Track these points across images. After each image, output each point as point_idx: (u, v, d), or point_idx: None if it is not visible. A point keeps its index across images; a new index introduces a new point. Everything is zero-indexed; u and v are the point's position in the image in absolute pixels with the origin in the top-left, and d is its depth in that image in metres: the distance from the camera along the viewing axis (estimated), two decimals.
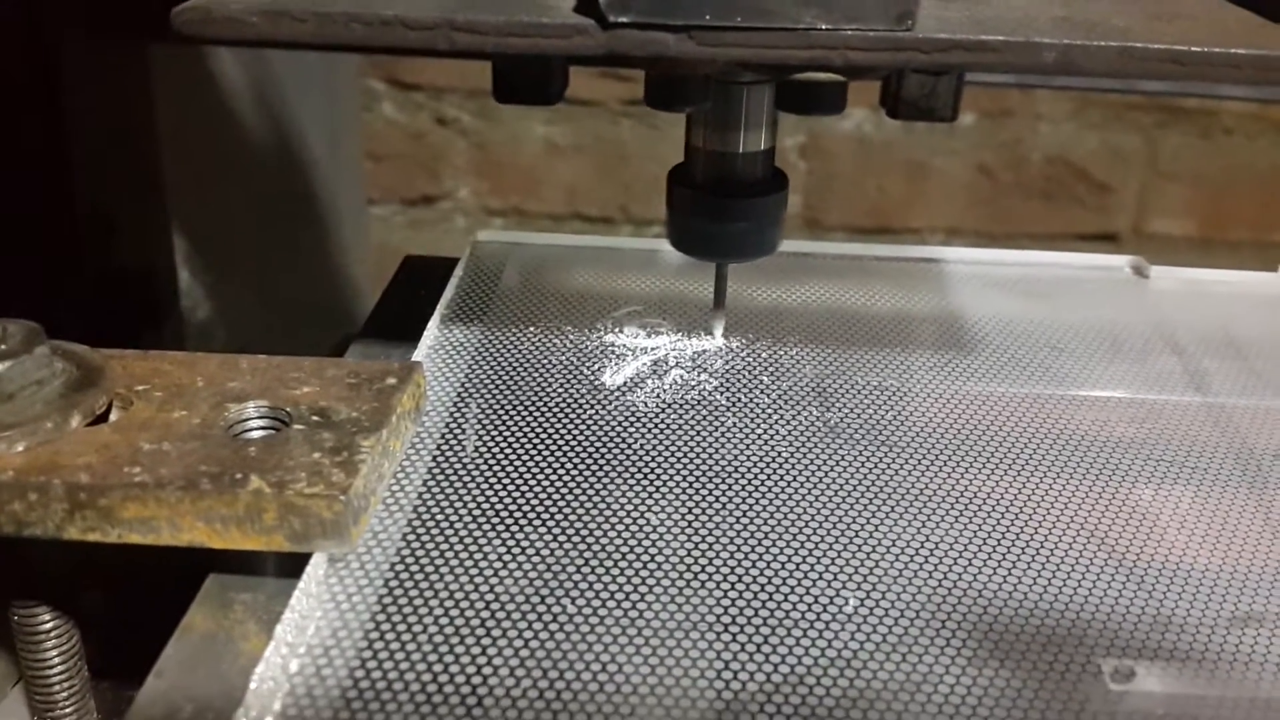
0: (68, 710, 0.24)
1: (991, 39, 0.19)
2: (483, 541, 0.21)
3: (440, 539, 0.21)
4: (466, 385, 0.26)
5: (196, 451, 0.19)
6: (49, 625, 0.22)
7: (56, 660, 0.23)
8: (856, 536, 0.22)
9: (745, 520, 0.22)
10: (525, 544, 0.21)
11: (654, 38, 0.19)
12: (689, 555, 0.21)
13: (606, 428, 0.25)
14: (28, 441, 0.19)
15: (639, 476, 0.24)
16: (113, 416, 0.21)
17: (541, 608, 0.20)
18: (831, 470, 0.24)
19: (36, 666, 0.23)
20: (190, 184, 0.48)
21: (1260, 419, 0.27)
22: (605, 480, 0.23)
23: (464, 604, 0.20)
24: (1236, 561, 0.22)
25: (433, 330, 0.28)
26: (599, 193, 0.99)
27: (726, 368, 0.28)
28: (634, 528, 0.22)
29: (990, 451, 0.25)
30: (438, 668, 0.19)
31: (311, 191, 0.65)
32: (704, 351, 0.28)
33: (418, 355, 0.27)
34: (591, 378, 0.27)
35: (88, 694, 0.24)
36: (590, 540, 0.22)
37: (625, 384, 0.27)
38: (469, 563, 0.21)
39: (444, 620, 0.19)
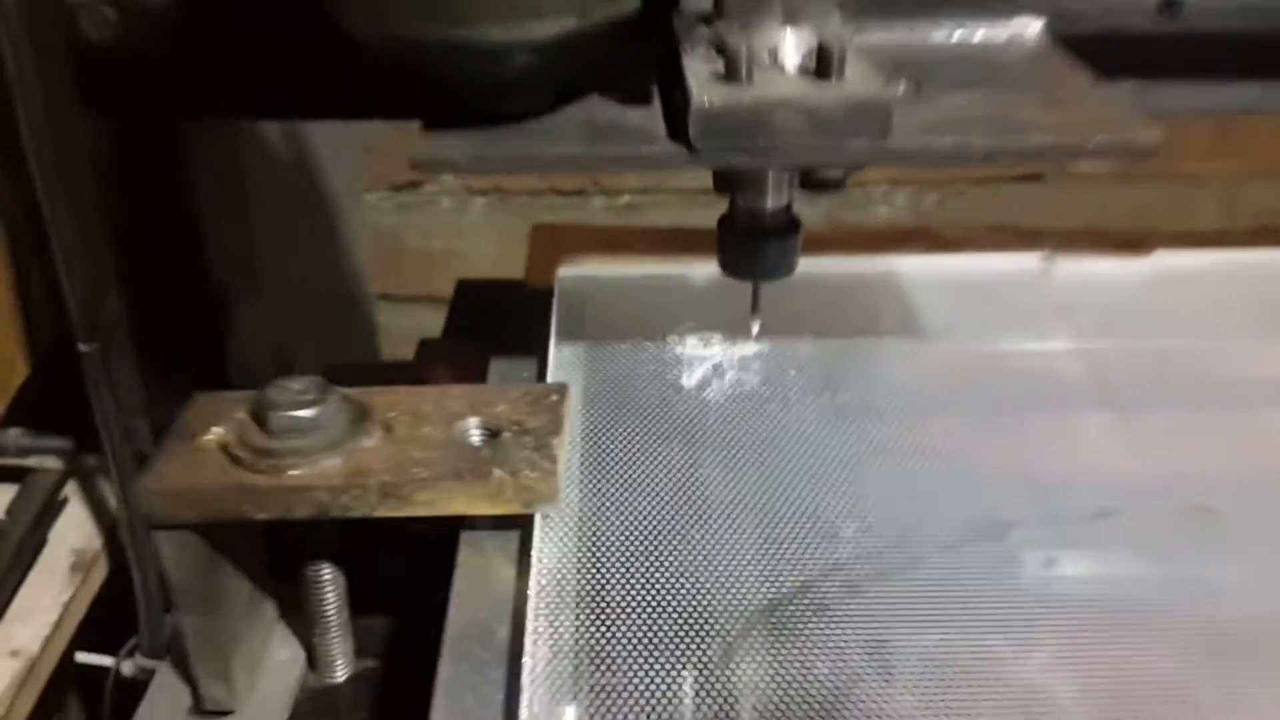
0: (336, 638, 0.34)
1: (943, 146, 0.29)
2: (638, 497, 0.32)
3: (614, 499, 0.32)
4: (588, 389, 0.37)
5: (449, 456, 0.30)
6: (327, 575, 0.33)
7: (332, 600, 0.33)
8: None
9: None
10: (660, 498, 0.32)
11: (724, 157, 0.29)
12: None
13: (698, 416, 0.36)
14: (343, 458, 0.29)
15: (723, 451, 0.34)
16: (378, 435, 0.31)
17: (683, 527, 0.31)
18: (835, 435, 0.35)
19: (317, 606, 0.33)
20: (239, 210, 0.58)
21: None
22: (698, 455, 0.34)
23: (631, 535, 0.31)
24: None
25: (552, 350, 0.38)
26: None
27: (765, 368, 0.38)
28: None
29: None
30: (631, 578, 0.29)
31: (320, 188, 0.75)
32: (747, 355, 0.39)
33: (552, 372, 0.37)
34: (674, 378, 0.38)
35: (349, 626, 0.34)
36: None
37: (699, 382, 0.37)
38: (636, 513, 0.32)
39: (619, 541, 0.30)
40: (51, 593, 0.53)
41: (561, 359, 0.38)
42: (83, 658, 0.56)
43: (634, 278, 0.44)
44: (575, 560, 0.30)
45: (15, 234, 0.50)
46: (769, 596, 0.29)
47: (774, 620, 0.28)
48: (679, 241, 0.64)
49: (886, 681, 0.26)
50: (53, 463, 0.56)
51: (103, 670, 0.57)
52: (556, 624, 0.27)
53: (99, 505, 0.57)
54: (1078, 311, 0.41)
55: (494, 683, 0.26)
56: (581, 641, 0.27)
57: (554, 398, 0.32)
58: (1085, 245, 0.54)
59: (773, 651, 0.27)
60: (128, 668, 0.58)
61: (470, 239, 1.27)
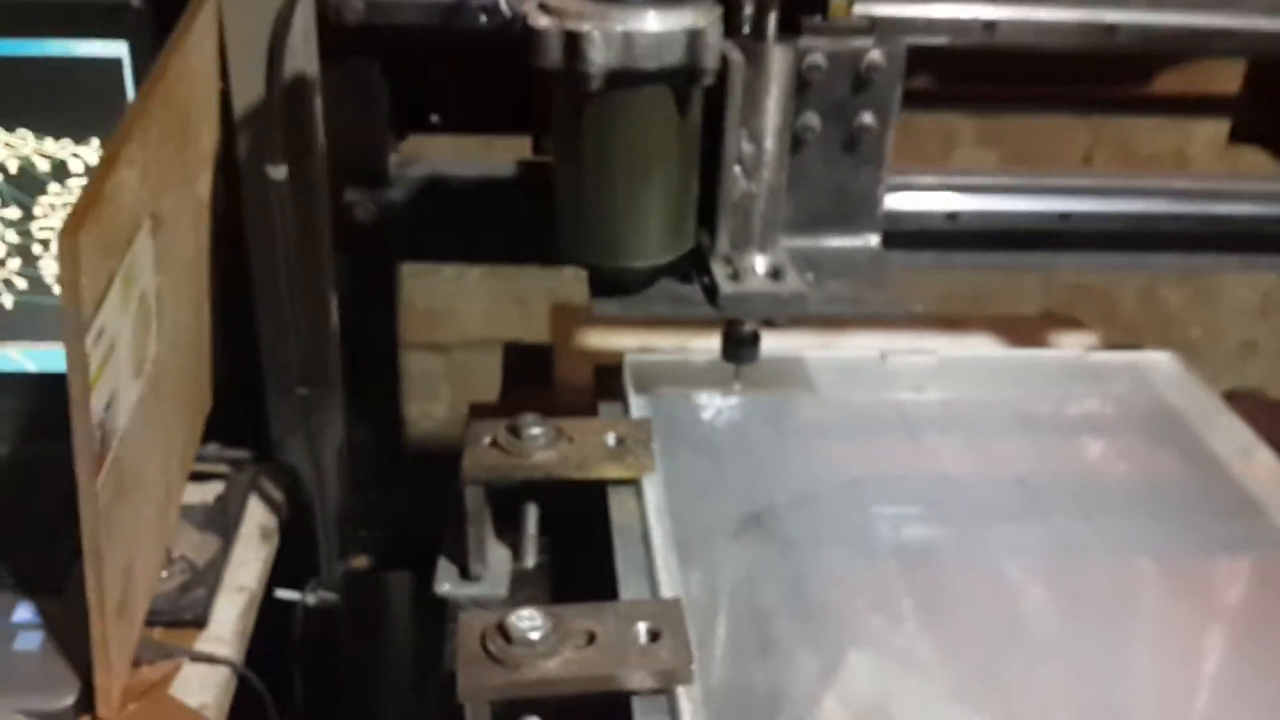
0: (531, 542, 0.68)
1: (831, 309, 0.64)
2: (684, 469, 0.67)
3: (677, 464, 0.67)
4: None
5: (606, 451, 0.64)
6: (531, 511, 0.67)
7: (532, 525, 0.67)
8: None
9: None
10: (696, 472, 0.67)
11: (731, 314, 0.64)
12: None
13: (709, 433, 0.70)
14: (556, 452, 0.63)
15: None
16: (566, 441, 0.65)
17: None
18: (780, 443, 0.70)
19: (524, 526, 0.67)
20: None
21: None
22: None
23: (683, 487, 0.65)
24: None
25: (632, 399, 0.72)
26: None
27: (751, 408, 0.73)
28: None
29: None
30: None
31: None
32: (733, 403, 0.74)
33: (634, 411, 0.71)
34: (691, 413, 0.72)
35: (537, 539, 0.68)
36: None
37: (708, 416, 0.72)
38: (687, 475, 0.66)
39: None
40: (253, 550, 0.86)
41: (638, 404, 0.73)
42: (280, 593, 0.90)
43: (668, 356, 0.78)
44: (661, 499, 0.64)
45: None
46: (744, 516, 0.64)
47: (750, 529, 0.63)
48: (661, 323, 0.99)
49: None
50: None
51: (293, 603, 0.91)
52: (662, 524, 0.62)
53: (269, 497, 0.90)
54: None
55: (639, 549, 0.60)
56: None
57: (645, 422, 0.67)
58: (921, 326, 0.90)
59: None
60: (312, 599, 0.93)
61: (468, 300, 1.63)
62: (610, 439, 0.65)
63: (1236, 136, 0.90)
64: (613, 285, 0.64)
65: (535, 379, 0.99)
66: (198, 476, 0.87)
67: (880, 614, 0.57)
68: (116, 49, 0.74)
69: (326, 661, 0.94)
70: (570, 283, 1.60)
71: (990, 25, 0.71)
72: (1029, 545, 0.63)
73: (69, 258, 0.53)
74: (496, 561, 0.67)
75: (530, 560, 0.67)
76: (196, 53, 0.72)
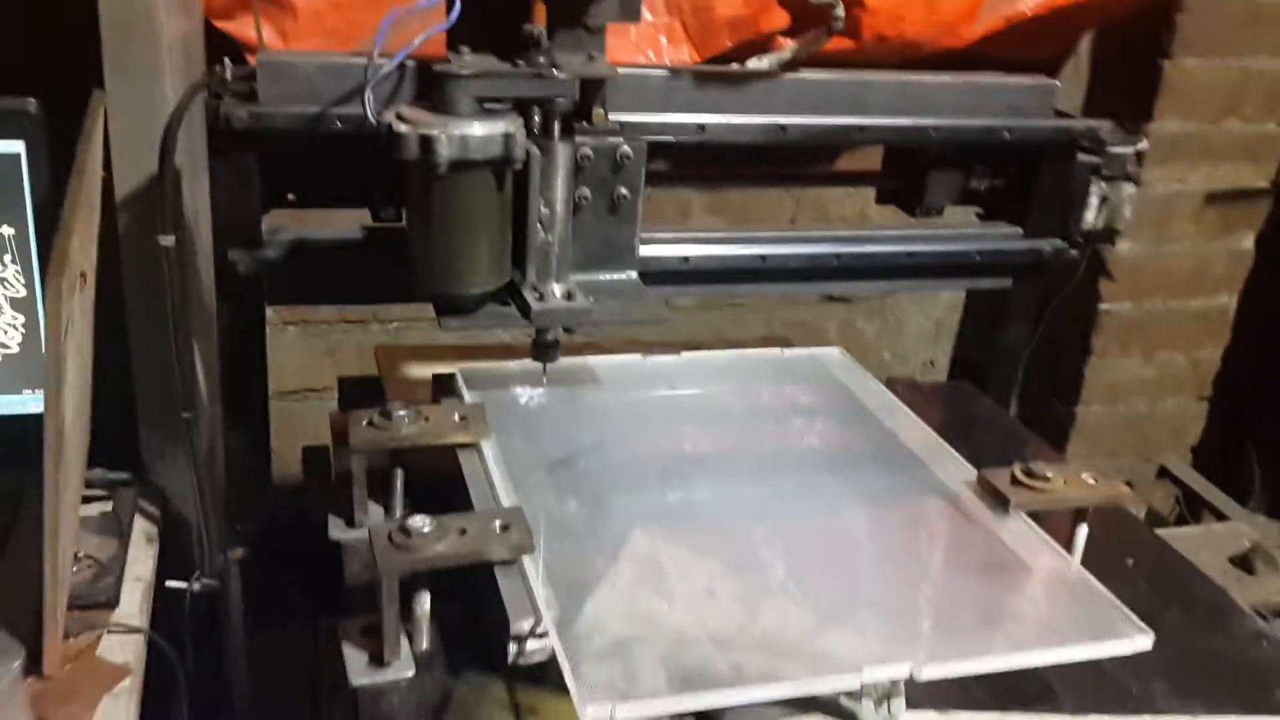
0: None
1: (599, 315, 0.94)
2: (512, 437, 0.94)
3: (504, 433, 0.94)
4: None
5: (454, 425, 0.90)
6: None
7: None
8: None
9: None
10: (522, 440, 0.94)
11: (542, 323, 0.92)
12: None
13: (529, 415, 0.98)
14: (419, 428, 0.89)
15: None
16: (421, 420, 0.91)
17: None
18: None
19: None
20: None
21: None
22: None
23: (513, 448, 0.93)
24: None
25: (466, 395, 0.99)
26: None
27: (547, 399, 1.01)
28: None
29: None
30: None
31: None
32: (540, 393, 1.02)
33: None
34: (512, 400, 1.00)
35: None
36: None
37: (525, 400, 1.00)
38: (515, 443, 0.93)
39: None
40: (142, 551, 1.08)
41: (471, 399, 0.99)
42: (170, 583, 1.11)
43: (489, 365, 1.05)
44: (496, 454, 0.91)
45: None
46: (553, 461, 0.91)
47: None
48: (467, 353, 1.26)
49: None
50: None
51: (181, 591, 1.12)
52: (499, 469, 0.88)
53: (147, 511, 1.12)
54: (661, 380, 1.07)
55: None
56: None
57: (479, 406, 0.94)
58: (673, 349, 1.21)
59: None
60: (197, 586, 1.15)
61: (285, 355, 1.84)
62: (456, 417, 0.92)
63: (880, 199, 1.27)
64: (453, 308, 0.91)
65: (369, 405, 1.24)
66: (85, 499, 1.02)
67: (650, 513, 0.86)
68: (15, 146, 0.92)
69: (214, 637, 1.15)
70: (375, 335, 1.84)
71: (702, 127, 1.04)
72: (751, 463, 0.95)
73: (54, 291, 0.75)
74: (374, 514, 0.92)
75: (398, 513, 0.93)
76: (95, 151, 0.94)
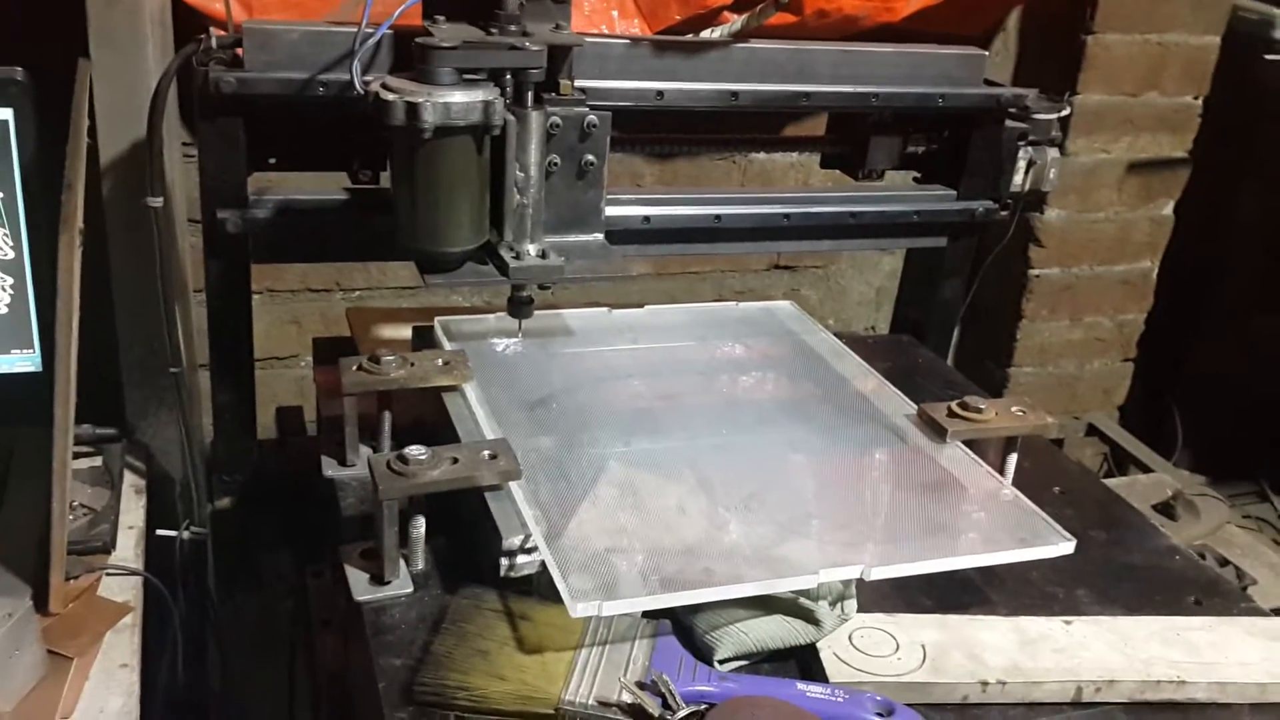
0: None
1: (570, 270, 1.01)
2: (493, 385, 1.01)
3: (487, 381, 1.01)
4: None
5: (438, 370, 0.97)
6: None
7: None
8: None
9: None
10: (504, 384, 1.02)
11: (518, 280, 1.00)
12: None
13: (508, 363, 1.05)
14: (402, 369, 0.96)
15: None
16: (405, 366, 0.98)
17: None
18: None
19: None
20: None
21: None
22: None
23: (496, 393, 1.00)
24: None
25: (445, 345, 1.06)
26: None
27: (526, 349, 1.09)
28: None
29: None
30: None
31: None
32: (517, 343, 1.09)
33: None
34: (491, 349, 1.07)
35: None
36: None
37: (502, 351, 1.07)
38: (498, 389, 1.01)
39: None
40: (133, 502, 1.14)
41: (451, 349, 1.06)
42: (161, 532, 1.17)
43: (466, 317, 1.12)
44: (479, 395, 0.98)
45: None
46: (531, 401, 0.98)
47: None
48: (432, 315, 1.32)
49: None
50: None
51: (172, 539, 1.18)
52: (482, 408, 0.96)
53: (133, 466, 1.18)
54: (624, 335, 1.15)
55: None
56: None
57: (461, 352, 1.01)
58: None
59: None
60: (186, 535, 1.21)
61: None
62: (439, 362, 0.99)
63: (824, 164, 1.35)
64: (436, 265, 0.98)
65: None
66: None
67: (623, 444, 0.94)
68: (4, 114, 0.95)
69: (201, 582, 1.22)
70: (339, 303, 1.90)
71: (660, 93, 1.11)
72: (713, 401, 1.03)
73: (67, 242, 0.81)
74: (364, 453, 0.99)
75: (386, 450, 0.99)
76: (85, 117, 1.00)
